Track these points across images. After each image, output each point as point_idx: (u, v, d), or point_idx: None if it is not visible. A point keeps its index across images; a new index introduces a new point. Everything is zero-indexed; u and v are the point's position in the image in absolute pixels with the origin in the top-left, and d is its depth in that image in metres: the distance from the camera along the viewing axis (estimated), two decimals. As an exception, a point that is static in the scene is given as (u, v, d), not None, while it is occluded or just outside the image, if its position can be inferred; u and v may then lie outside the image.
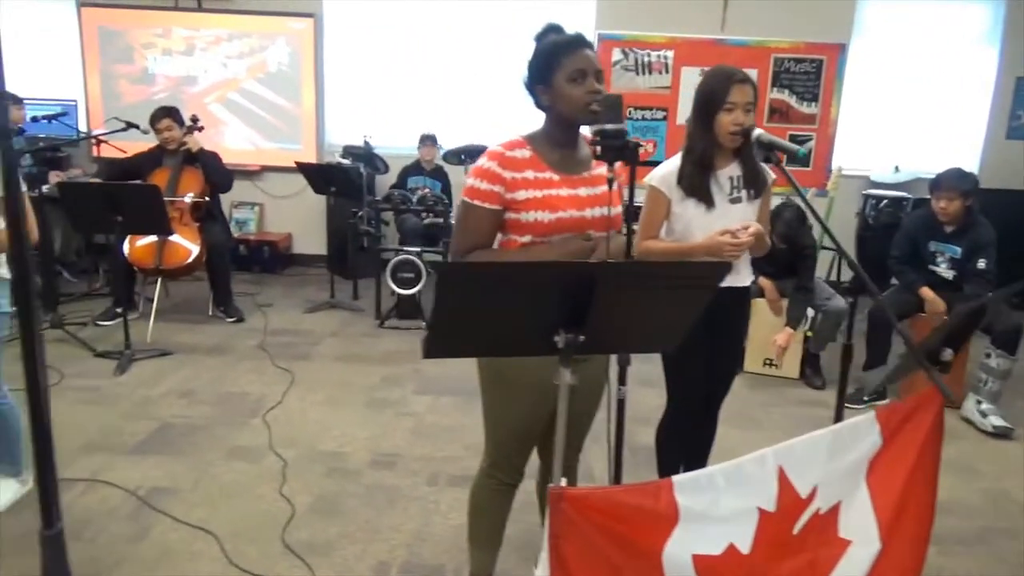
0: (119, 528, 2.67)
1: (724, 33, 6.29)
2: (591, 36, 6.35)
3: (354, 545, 2.63)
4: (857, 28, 6.31)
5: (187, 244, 4.84)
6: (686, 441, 2.76)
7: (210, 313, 5.22)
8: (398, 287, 5.14)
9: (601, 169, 2.00)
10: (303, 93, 6.51)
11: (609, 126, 1.80)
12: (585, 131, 1.97)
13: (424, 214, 5.54)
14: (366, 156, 5.31)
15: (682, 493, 1.67)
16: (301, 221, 6.80)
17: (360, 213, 5.60)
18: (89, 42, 6.41)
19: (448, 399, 3.95)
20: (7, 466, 2.79)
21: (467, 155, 5.35)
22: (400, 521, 2.80)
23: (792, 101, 6.40)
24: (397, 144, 6.33)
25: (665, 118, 6.49)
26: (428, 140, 5.95)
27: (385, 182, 6.24)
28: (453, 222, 5.09)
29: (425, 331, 1.36)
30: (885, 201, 5.81)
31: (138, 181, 4.82)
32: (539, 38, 1.95)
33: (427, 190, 5.70)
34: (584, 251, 1.88)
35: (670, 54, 6.36)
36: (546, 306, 1.34)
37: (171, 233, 4.56)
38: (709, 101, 2.36)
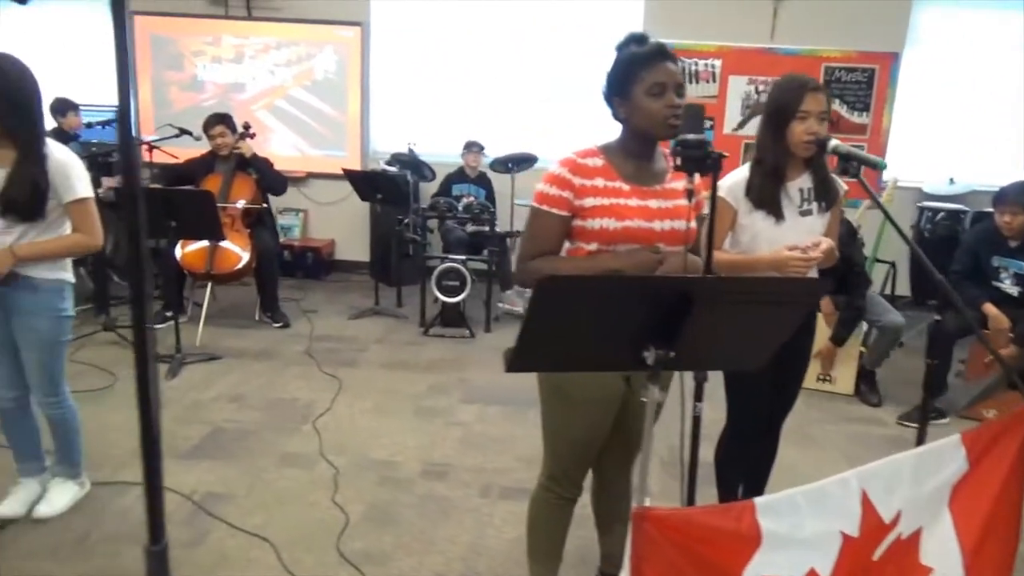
0: (176, 533, 2.67)
1: (773, 42, 6.21)
2: (638, 45, 6.30)
3: (410, 557, 2.61)
4: (911, 37, 6.18)
5: (238, 250, 4.88)
6: (747, 458, 2.69)
7: (256, 318, 5.26)
8: (443, 295, 5.13)
9: (677, 183, 1.96)
10: (349, 100, 6.56)
11: (690, 136, 1.76)
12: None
13: (469, 222, 5.52)
14: (413, 163, 5.31)
15: (765, 515, 1.62)
16: (345, 228, 6.84)
17: (406, 220, 5.61)
18: (141, 50, 6.53)
19: (496, 409, 3.92)
20: (66, 468, 2.82)
21: (514, 163, 5.33)
22: (455, 533, 2.77)
23: (843, 111, 6.27)
24: (441, 151, 6.34)
25: (712, 127, 6.41)
26: (473, 147, 5.94)
27: (428, 189, 6.24)
28: (499, 230, 5.05)
29: (515, 344, 1.32)
30: (942, 214, 5.66)
31: (191, 187, 4.88)
32: (620, 48, 1.92)
33: (472, 198, 5.70)
34: (651, 264, 1.85)
35: (718, 63, 6.28)
36: (639, 321, 1.30)
37: (223, 239, 4.60)
38: (782, 110, 2.31)
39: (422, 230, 5.35)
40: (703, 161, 1.74)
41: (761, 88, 6.30)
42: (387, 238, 6.38)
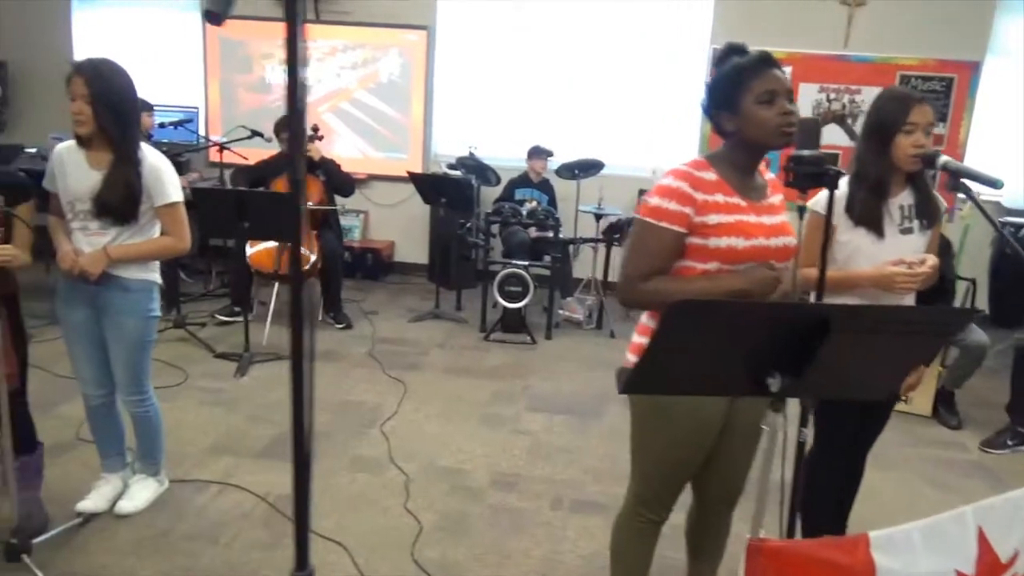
0: (254, 534, 2.70)
1: (847, 49, 6.05)
2: (707, 51, 6.22)
3: (485, 568, 2.58)
4: (993, 46, 5.96)
5: (305, 251, 4.92)
6: (833, 484, 2.60)
7: (319, 318, 5.31)
8: (505, 300, 5.11)
9: (775, 198, 1.90)
10: (412, 104, 6.59)
11: (805, 152, 1.70)
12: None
13: (532, 228, 5.49)
14: (478, 168, 5.30)
15: (879, 551, 1.56)
16: (403, 230, 6.87)
17: (468, 224, 5.60)
18: (211, 52, 6.66)
19: (561, 418, 3.88)
20: (147, 465, 2.86)
21: (580, 169, 5.28)
22: (528, 546, 2.74)
23: (918, 121, 6.08)
24: (501, 155, 6.32)
25: (779, 136, 6.27)
26: (540, 153, 5.90)
27: (489, 194, 6.23)
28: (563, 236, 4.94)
29: (633, 365, 1.28)
30: (1024, 230, 5.45)
31: (261, 188, 4.95)
32: (719, 62, 1.86)
33: (535, 203, 5.68)
34: (771, 282, 1.77)
35: (788, 70, 6.11)
36: (769, 346, 1.25)
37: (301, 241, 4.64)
38: (887, 122, 2.22)
39: (486, 235, 5.32)
40: (820, 178, 1.68)
41: (833, 96, 6.15)
42: (446, 241, 6.38)
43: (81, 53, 6.84)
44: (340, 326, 5.19)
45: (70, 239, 2.53)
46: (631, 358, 1.92)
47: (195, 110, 6.60)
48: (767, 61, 1.79)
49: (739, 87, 1.78)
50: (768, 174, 1.95)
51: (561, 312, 5.53)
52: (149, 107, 5.77)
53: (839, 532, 2.68)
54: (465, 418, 3.83)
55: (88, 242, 2.52)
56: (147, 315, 2.64)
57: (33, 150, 6.37)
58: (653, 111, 6.46)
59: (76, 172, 2.49)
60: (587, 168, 5.28)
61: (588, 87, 6.49)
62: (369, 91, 6.59)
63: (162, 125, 5.77)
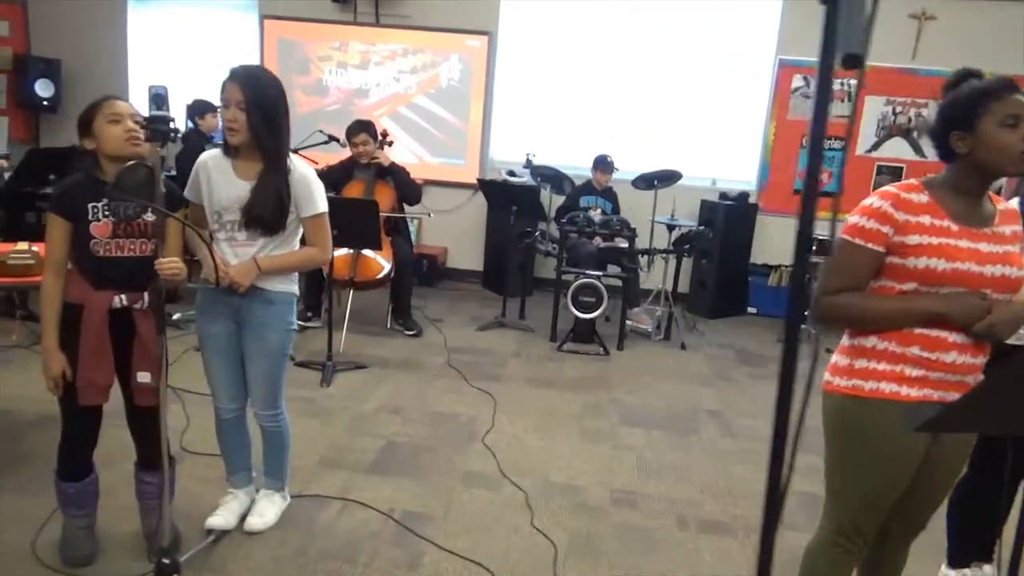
0: (389, 553, 2.64)
1: (915, 62, 6.02)
2: (773, 62, 6.18)
3: (634, 592, 2.53)
4: (1064, 61, 5.93)
5: (380, 259, 4.87)
6: (987, 511, 2.55)
7: (388, 326, 5.25)
8: (578, 311, 5.06)
9: (1006, 227, 1.85)
10: (471, 109, 6.54)
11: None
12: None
13: (599, 238, 5.44)
14: (554, 176, 5.23)
15: None
16: (458, 236, 6.82)
17: (536, 232, 5.55)
18: (269, 53, 6.61)
19: (660, 434, 3.83)
20: (273, 481, 2.80)
21: (659, 180, 5.23)
22: (667, 568, 2.68)
23: (985, 135, 6.05)
24: (559, 162, 6.27)
25: (844, 148, 6.25)
26: (605, 166, 5.84)
27: (551, 201, 6.18)
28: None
29: (954, 403, 1.23)
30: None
31: (332, 194, 4.89)
32: (953, 86, 1.81)
33: (599, 210, 5.64)
34: (979, 311, 1.73)
35: (854, 82, 6.11)
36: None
37: (380, 248, 4.60)
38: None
39: (559, 243, 5.26)
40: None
41: (899, 109, 6.11)
42: (501, 248, 6.34)
43: (135, 53, 6.78)
44: (410, 333, 5.14)
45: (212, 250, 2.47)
46: (839, 382, 1.87)
47: (251, 112, 6.53)
48: (1011, 86, 1.74)
49: (979, 108, 1.73)
50: (1006, 203, 1.90)
51: (629, 323, 5.48)
52: (213, 108, 5.72)
53: (988, 558, 2.64)
54: (563, 432, 3.78)
55: (234, 253, 2.46)
56: (288, 327, 2.58)
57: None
58: (716, 121, 6.42)
59: (223, 182, 2.44)
60: (665, 179, 5.23)
61: (649, 95, 6.45)
62: (428, 96, 6.55)
63: (226, 127, 5.69)
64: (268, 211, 2.41)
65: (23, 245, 3.09)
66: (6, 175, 4.72)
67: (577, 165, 6.22)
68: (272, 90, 2.40)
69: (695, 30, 6.30)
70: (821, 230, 5.58)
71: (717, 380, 4.78)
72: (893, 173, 6.24)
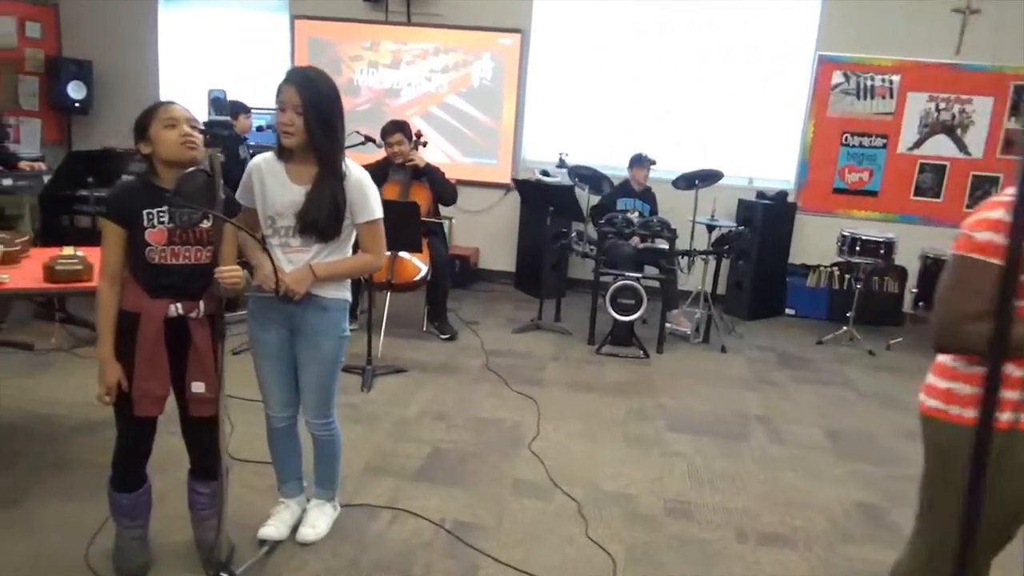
0: (443, 565, 2.58)
1: (959, 58, 5.87)
2: (812, 58, 6.06)
3: (699, 608, 2.45)
4: (1113, 55, 5.77)
5: (417, 261, 4.82)
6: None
7: (423, 328, 5.20)
8: (617, 313, 4.98)
9: None
10: (504, 109, 6.47)
11: None
12: None
13: (635, 238, 5.35)
14: (592, 176, 5.15)
15: None
16: (490, 237, 6.76)
17: (573, 233, 5.48)
18: (299, 52, 6.57)
19: (708, 440, 3.74)
20: (324, 491, 2.75)
21: (700, 180, 5.13)
22: (730, 582, 2.61)
23: (1032, 132, 5.91)
24: (593, 162, 6.18)
25: (884, 146, 6.11)
26: (642, 161, 5.75)
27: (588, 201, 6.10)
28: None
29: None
30: None
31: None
32: None
33: (637, 212, 5.55)
34: None
35: (896, 78, 5.98)
36: None
37: (421, 250, 4.55)
38: None
39: (597, 245, 5.17)
40: None
41: (942, 106, 5.97)
42: (535, 249, 6.27)
43: (166, 53, 6.78)
44: (445, 337, 5.08)
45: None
46: (935, 404, 1.77)
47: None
48: None
49: None
50: None
51: (668, 325, 5.39)
52: (247, 109, 5.70)
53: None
54: (608, 438, 3.71)
55: (288, 259, 2.40)
56: (342, 334, 2.53)
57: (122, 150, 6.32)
58: (752, 118, 6.31)
59: (277, 186, 2.38)
60: (707, 178, 5.13)
61: (684, 93, 6.36)
62: (460, 95, 6.48)
63: (260, 128, 5.68)
64: (323, 217, 2.36)
65: (69, 250, 3.05)
66: (45, 178, 4.71)
67: (611, 164, 6.13)
68: (329, 93, 2.34)
69: (731, 26, 6.19)
70: (866, 231, 5.51)
71: (760, 384, 4.69)
72: (935, 171, 6.10)
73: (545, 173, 6.27)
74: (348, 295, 2.56)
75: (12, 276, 2.86)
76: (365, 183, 2.44)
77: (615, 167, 6.04)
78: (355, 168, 2.44)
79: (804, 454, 3.68)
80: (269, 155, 2.44)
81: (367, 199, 2.44)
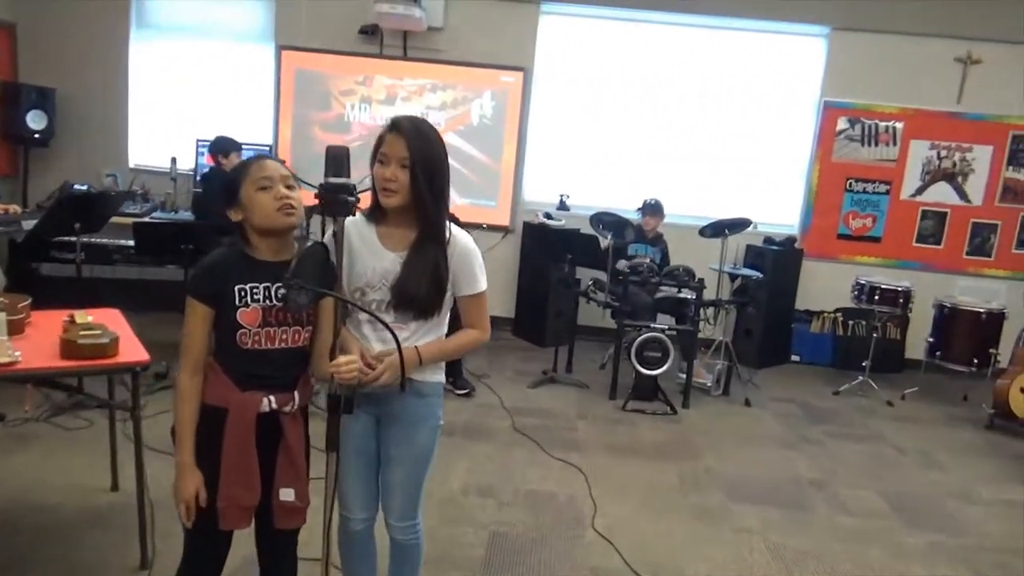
0: None
1: (960, 106, 5.93)
2: (817, 104, 6.03)
3: None
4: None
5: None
6: None
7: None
8: (642, 367, 4.73)
9: None
10: (504, 149, 6.21)
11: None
12: None
13: (676, 289, 5.12)
14: (615, 223, 4.90)
15: None
16: (487, 281, 6.43)
17: (590, 281, 5.22)
18: (286, 86, 6.17)
19: (774, 511, 3.50)
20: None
21: (730, 228, 4.96)
22: None
23: (1031, 181, 5.99)
24: (594, 205, 5.97)
25: (888, 192, 6.10)
26: (654, 211, 5.56)
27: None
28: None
29: None
30: None
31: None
32: None
33: (648, 259, 5.35)
34: None
35: (899, 125, 5.99)
36: None
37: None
38: None
39: (621, 296, 4.91)
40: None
41: (944, 153, 6.01)
42: (537, 294, 5.99)
43: (137, 85, 6.28)
44: (462, 392, 4.73)
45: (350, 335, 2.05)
46: None
47: (267, 148, 6.09)
48: None
49: None
50: None
51: (682, 376, 5.17)
52: (238, 146, 5.28)
53: None
54: (673, 512, 3.42)
55: (379, 338, 2.05)
56: (438, 423, 2.19)
57: (83, 187, 5.76)
58: (757, 163, 6.23)
59: (367, 253, 2.03)
60: (736, 227, 4.97)
61: (689, 137, 6.24)
62: (458, 133, 6.19)
63: (249, 165, 5.24)
64: (423, 290, 2.01)
65: (82, 315, 2.61)
66: (24, 223, 4.14)
67: (614, 207, 5.91)
68: (439, 147, 2.02)
69: (737, 70, 6.12)
70: (876, 278, 5.45)
71: (799, 442, 4.49)
72: (937, 218, 6.12)
73: (548, 216, 6.03)
74: (443, 377, 2.22)
75: (23, 351, 2.37)
76: (471, 252, 2.12)
77: (618, 210, 5.81)
78: (460, 234, 2.12)
79: (876, 524, 3.48)
80: (357, 217, 2.09)
81: (473, 269, 2.13)
